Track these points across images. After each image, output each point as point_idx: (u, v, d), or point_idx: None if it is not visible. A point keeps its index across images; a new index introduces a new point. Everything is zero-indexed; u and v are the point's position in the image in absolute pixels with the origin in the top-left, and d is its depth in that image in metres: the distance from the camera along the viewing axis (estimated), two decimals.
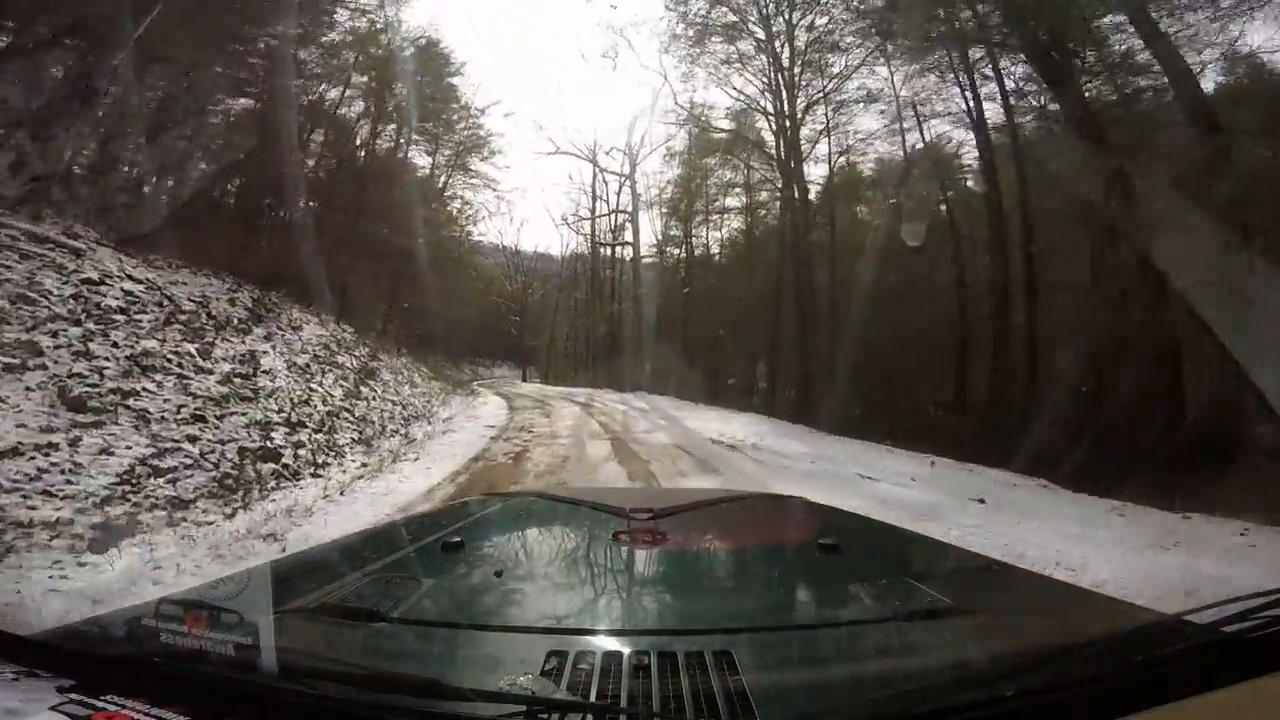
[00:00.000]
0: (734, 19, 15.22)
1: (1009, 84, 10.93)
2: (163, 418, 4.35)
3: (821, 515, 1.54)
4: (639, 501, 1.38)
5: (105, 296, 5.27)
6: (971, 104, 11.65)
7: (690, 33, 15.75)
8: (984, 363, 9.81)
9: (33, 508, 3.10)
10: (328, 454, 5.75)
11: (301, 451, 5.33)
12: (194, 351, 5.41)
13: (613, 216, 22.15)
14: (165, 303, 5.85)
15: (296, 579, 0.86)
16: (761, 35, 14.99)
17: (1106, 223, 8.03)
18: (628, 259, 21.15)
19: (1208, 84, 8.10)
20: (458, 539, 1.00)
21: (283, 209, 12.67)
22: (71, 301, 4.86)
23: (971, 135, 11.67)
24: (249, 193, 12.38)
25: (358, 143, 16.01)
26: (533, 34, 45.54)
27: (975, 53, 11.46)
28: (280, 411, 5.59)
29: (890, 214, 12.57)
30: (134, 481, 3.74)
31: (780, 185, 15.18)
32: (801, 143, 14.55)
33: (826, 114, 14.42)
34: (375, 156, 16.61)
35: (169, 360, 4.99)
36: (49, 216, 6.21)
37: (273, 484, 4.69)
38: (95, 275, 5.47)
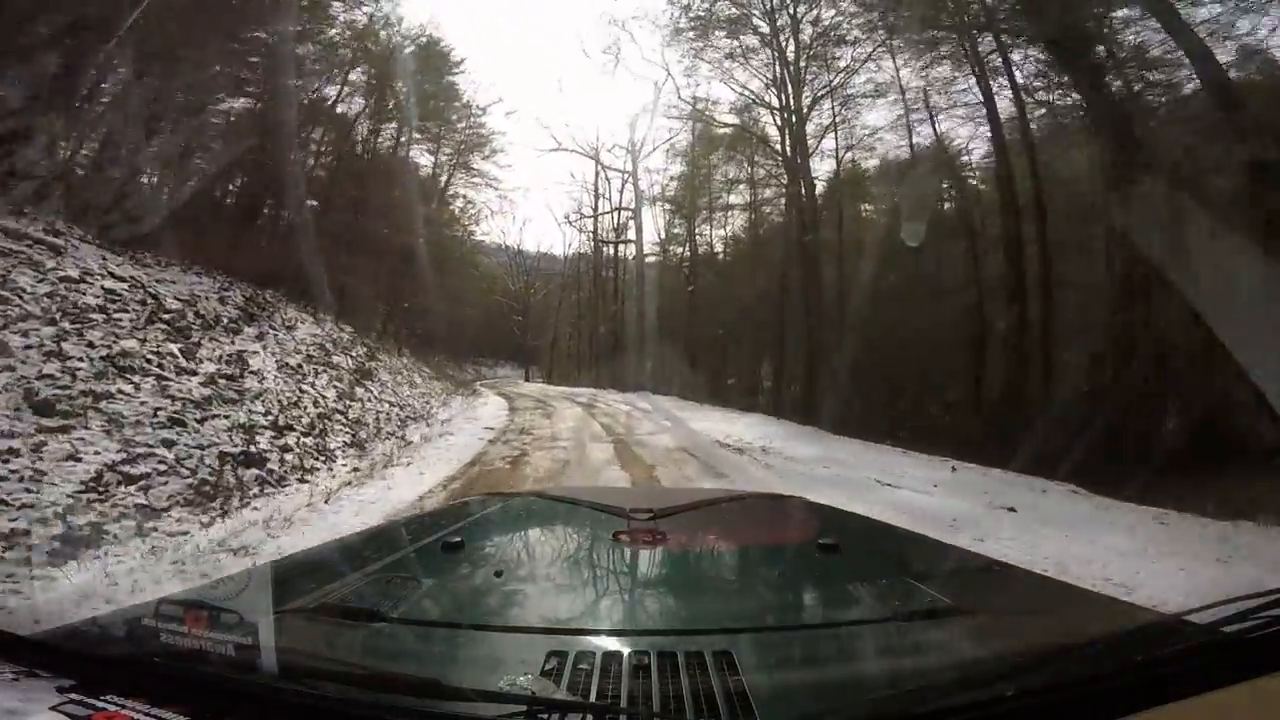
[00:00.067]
0: (738, 12, 14.94)
1: (1019, 78, 10.62)
2: (138, 421, 4.11)
3: (821, 515, 1.53)
4: (639, 501, 1.37)
5: (84, 295, 5.05)
6: (983, 98, 11.31)
7: (694, 27, 15.52)
8: (998, 362, 9.47)
9: None
10: (317, 458, 5.51)
11: (288, 456, 5.09)
12: (177, 351, 5.19)
13: (615, 214, 21.90)
14: (149, 301, 5.62)
15: (296, 579, 0.85)
16: (766, 29, 14.71)
17: (1119, 220, 7.72)
18: (631, 258, 20.90)
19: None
20: (458, 539, 0.99)
21: (281, 207, 12.50)
22: (46, 300, 4.64)
23: (982, 129, 11.36)
24: (247, 191, 12.21)
25: (358, 141, 15.86)
26: (533, 30, 45.43)
27: (986, 46, 11.13)
28: (267, 414, 5.35)
29: (899, 210, 12.29)
30: (101, 489, 3.50)
31: (785, 181, 14.89)
32: (808, 138, 14.24)
33: (833, 108, 14.11)
34: (376, 155, 16.47)
35: (148, 361, 4.76)
36: (31, 213, 6.01)
37: (255, 490, 4.45)
38: (75, 273, 5.25)
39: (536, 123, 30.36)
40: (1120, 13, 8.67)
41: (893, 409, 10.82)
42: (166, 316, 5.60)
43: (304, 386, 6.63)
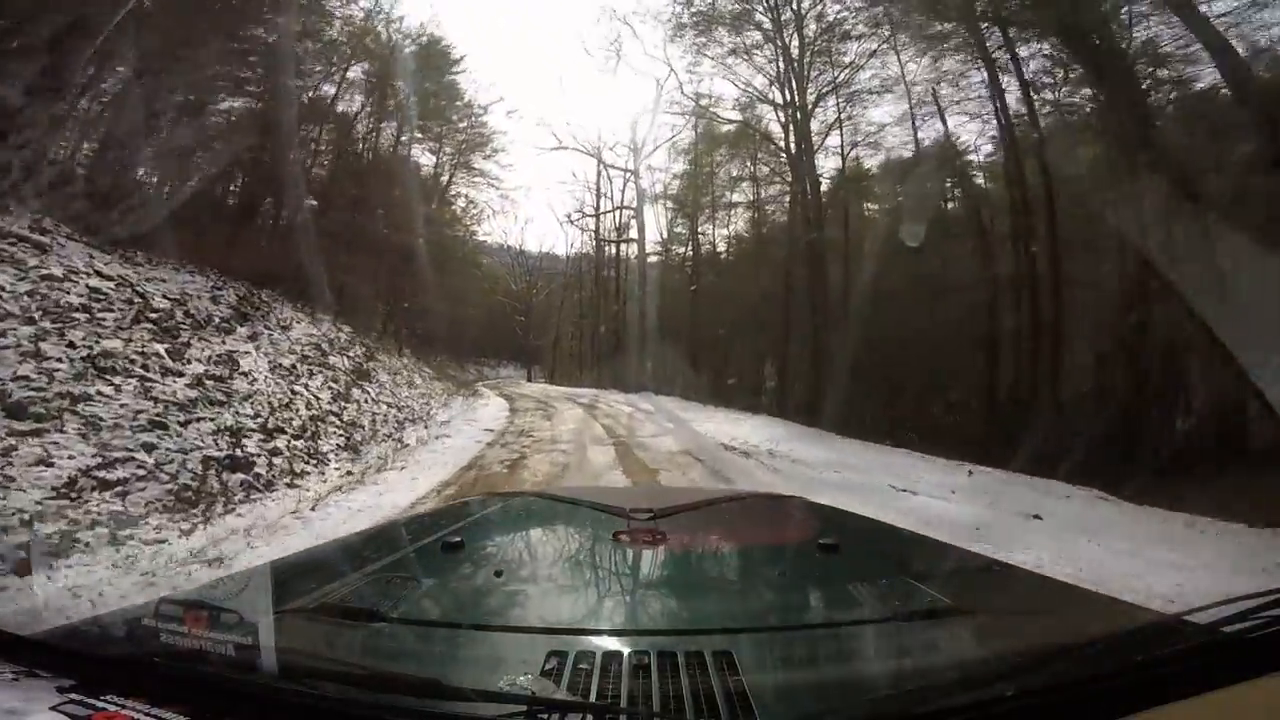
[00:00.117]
0: (740, 8, 14.74)
1: (1026, 74, 10.39)
2: (116, 424, 3.94)
3: (821, 515, 1.53)
4: (639, 501, 1.36)
5: (67, 294, 4.89)
6: (991, 92, 11.07)
7: (696, 23, 15.33)
8: (1009, 362, 9.22)
9: None
10: (308, 462, 5.33)
11: (277, 460, 4.91)
12: (163, 352, 5.02)
13: (617, 213, 21.71)
14: (135, 300, 5.46)
15: (296, 579, 0.85)
16: (769, 25, 14.50)
17: (1124, 218, 7.49)
18: (633, 257, 20.70)
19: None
20: (458, 539, 0.99)
21: (280, 206, 12.38)
22: (26, 299, 4.48)
23: (989, 126, 11.11)
24: (245, 190, 12.09)
25: (359, 140, 15.75)
26: (534, 28, 45.29)
27: (993, 41, 10.90)
28: (256, 416, 5.18)
29: (905, 208, 12.06)
30: (74, 495, 3.32)
31: (789, 179, 14.67)
32: (812, 135, 14.02)
33: (838, 105, 13.88)
34: (377, 154, 16.36)
35: (131, 362, 4.59)
36: (17, 211, 5.86)
37: (241, 496, 4.27)
38: (58, 271, 5.09)
39: (538, 121, 30.11)
40: (1137, 6, 8.44)
41: (900, 410, 10.58)
42: (153, 316, 5.43)
43: (297, 388, 6.45)
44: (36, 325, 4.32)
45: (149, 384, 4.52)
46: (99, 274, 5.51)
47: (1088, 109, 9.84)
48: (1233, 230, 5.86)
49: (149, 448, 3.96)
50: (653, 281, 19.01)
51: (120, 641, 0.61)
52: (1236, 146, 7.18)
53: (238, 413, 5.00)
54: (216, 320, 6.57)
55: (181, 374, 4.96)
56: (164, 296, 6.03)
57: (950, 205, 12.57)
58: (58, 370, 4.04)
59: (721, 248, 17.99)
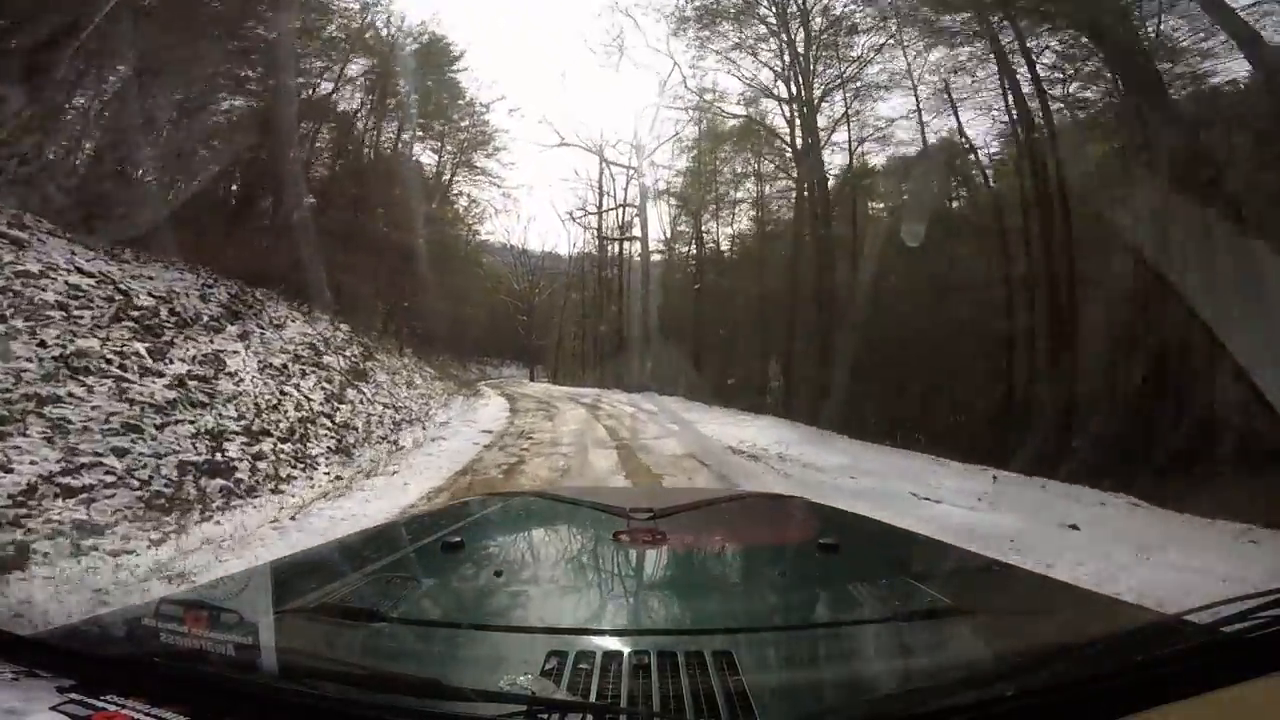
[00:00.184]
0: (744, 2, 14.46)
1: (1039, 68, 10.07)
2: (85, 428, 3.71)
3: (821, 515, 1.53)
4: (639, 501, 1.36)
5: (43, 291, 4.68)
6: (1006, 86, 10.75)
7: (699, 17, 15.08)
8: (1024, 362, 8.89)
9: None
10: (295, 466, 5.11)
11: (262, 464, 4.68)
12: (143, 351, 4.80)
13: (620, 211, 21.46)
14: (116, 298, 5.25)
15: (296, 579, 0.84)
16: (774, 20, 14.22)
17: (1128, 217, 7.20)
18: (636, 255, 20.45)
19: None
20: (458, 539, 0.99)
21: (278, 204, 12.20)
22: None
23: (1002, 121, 10.78)
24: (241, 187, 11.91)
25: (359, 137, 15.58)
26: (535, 25, 44.98)
27: (1005, 34, 10.59)
28: (240, 418, 4.95)
29: (916, 205, 11.77)
30: (33, 503, 3.10)
31: (795, 176, 14.38)
32: (819, 130, 13.72)
33: (845, 99, 13.57)
34: (378, 152, 16.20)
35: (108, 361, 4.37)
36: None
37: (220, 502, 4.04)
38: (35, 268, 4.88)
39: (540, 119, 29.87)
40: None
41: (909, 412, 10.27)
42: (135, 314, 5.21)
43: (287, 388, 6.23)
44: (7, 324, 4.11)
45: (125, 385, 4.30)
46: (79, 271, 5.30)
47: (1102, 104, 9.55)
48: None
49: (120, 452, 3.73)
50: (656, 280, 18.78)
51: (120, 641, 0.61)
52: (1268, 142, 6.87)
53: (220, 415, 4.77)
54: (205, 319, 6.35)
55: (162, 374, 4.74)
56: (149, 294, 5.82)
57: (960, 202, 12.29)
58: (26, 370, 3.82)
59: (725, 246, 17.70)
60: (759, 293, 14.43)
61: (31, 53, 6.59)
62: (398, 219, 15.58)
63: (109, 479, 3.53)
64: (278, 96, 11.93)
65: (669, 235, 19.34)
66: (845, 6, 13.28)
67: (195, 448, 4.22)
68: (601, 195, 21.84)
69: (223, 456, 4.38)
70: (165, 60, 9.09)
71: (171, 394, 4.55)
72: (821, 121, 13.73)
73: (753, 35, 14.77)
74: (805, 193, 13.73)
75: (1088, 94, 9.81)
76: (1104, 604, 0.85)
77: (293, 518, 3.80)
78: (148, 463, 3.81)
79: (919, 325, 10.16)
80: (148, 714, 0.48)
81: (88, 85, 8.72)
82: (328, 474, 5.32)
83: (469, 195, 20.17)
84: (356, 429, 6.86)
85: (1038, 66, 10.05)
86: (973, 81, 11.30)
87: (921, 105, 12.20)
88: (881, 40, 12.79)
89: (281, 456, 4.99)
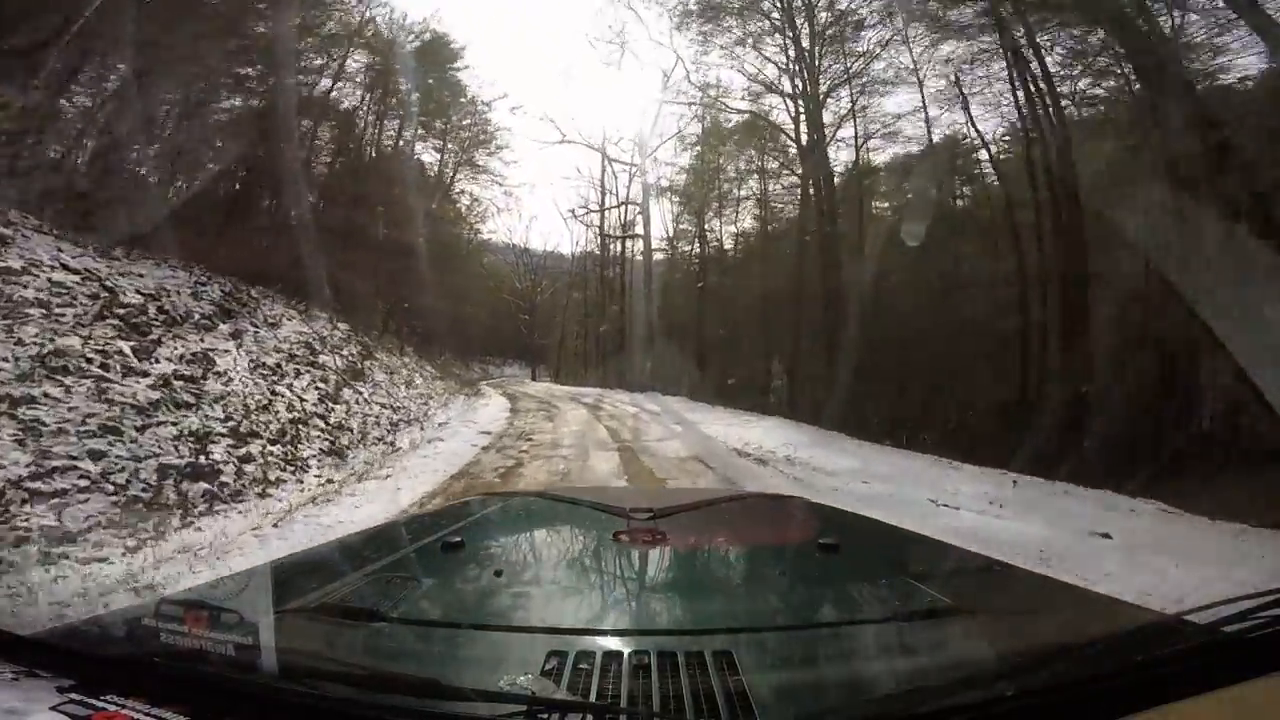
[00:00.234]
0: None
1: (1049, 63, 9.83)
2: (60, 430, 3.55)
3: (821, 515, 1.54)
4: (639, 501, 1.36)
5: (24, 288, 4.53)
6: (1014, 77, 10.51)
7: (703, 11, 14.87)
8: (1038, 362, 8.65)
9: None
10: (285, 469, 4.94)
11: (249, 467, 4.52)
12: (127, 350, 4.64)
13: (623, 209, 21.26)
14: (102, 295, 5.09)
15: (296, 579, 0.84)
16: (779, 16, 14.00)
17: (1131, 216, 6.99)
18: (638, 254, 20.24)
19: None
20: (458, 539, 0.99)
21: (276, 201, 12.07)
22: None
23: (1009, 115, 10.53)
24: (239, 185, 11.77)
25: (360, 135, 15.45)
26: (536, 21, 44.64)
27: (1016, 30, 10.35)
28: (227, 420, 4.79)
29: (924, 201, 11.54)
30: None
31: (800, 173, 14.16)
32: (824, 126, 13.49)
33: (851, 95, 13.32)
34: (380, 150, 16.08)
35: (88, 360, 4.21)
36: None
37: (203, 508, 3.87)
38: (17, 265, 4.74)
39: (541, 116, 29.51)
40: None
41: (918, 412, 10.04)
42: (121, 312, 5.06)
43: (279, 388, 6.07)
44: None
45: (106, 385, 4.13)
46: (64, 267, 5.15)
47: (1114, 100, 9.31)
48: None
49: (96, 455, 3.57)
50: (658, 279, 18.58)
51: (120, 641, 0.60)
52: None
53: (206, 416, 4.61)
54: (196, 317, 6.20)
55: (146, 374, 4.58)
56: (137, 291, 5.67)
57: (967, 200, 12.05)
58: (0, 370, 3.66)
59: (729, 244, 17.48)
60: (762, 291, 14.22)
61: (20, 49, 6.46)
62: (399, 217, 15.45)
63: (83, 483, 3.37)
64: (277, 93, 11.81)
65: (672, 234, 19.15)
66: (850, 2, 13.05)
67: (177, 450, 4.05)
68: (604, 193, 21.65)
69: (207, 459, 4.21)
70: (163, 58, 8.97)
71: (155, 394, 4.39)
72: (827, 118, 13.51)
73: (757, 30, 14.56)
74: (810, 190, 13.50)
75: (1098, 90, 9.61)
76: (1104, 604, 0.84)
77: (275, 525, 3.62)
78: (126, 466, 3.65)
79: (925, 324, 9.94)
80: (148, 714, 0.48)
81: (82, 82, 8.60)
82: (319, 477, 5.15)
83: (471, 194, 20.02)
84: (351, 430, 6.69)
85: (1048, 62, 9.84)
86: (983, 76, 11.08)
87: (928, 101, 11.99)
88: (888, 35, 12.57)
89: (270, 459, 4.82)
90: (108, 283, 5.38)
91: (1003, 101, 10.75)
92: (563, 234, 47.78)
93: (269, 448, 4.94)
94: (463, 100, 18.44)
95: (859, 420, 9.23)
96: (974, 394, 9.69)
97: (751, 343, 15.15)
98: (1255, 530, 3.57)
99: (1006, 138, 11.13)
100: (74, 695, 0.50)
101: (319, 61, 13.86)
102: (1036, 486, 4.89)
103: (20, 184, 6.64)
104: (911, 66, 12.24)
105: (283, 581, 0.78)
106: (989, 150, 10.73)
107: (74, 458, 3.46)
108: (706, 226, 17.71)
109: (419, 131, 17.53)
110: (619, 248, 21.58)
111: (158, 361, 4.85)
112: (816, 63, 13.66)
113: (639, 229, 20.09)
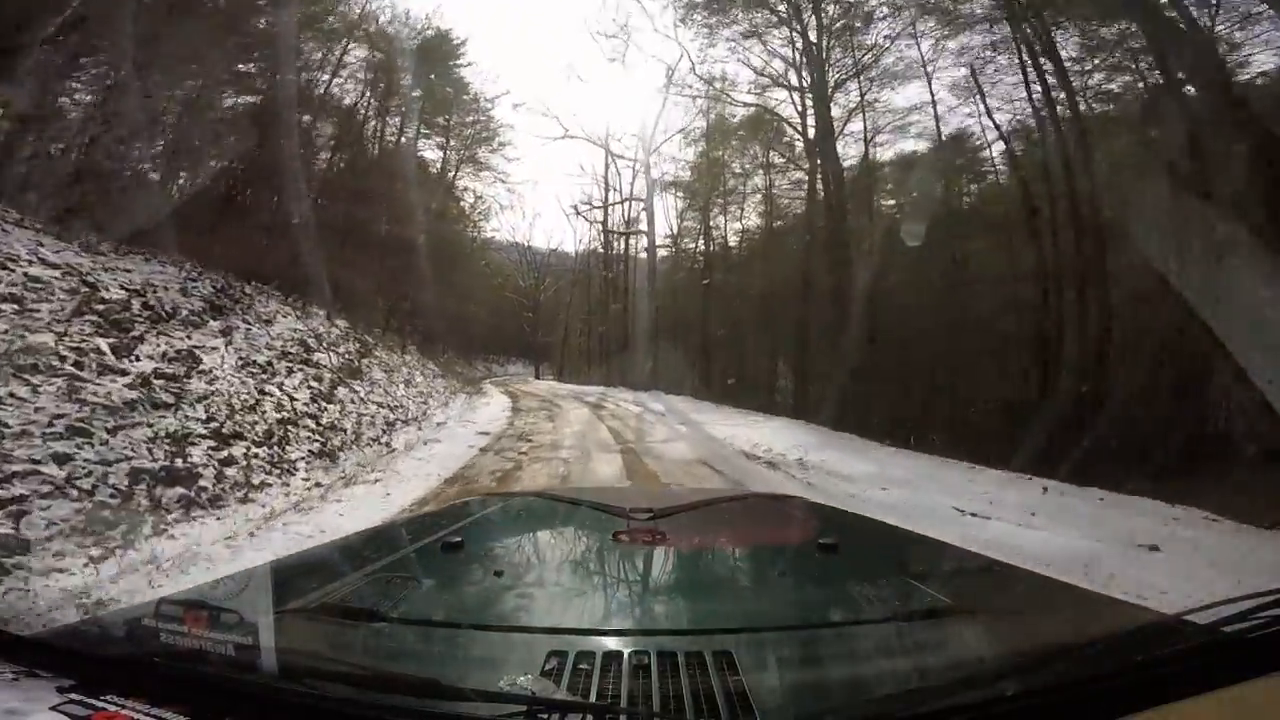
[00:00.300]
0: None
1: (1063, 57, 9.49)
2: (23, 432, 3.33)
3: (821, 515, 1.55)
4: (639, 501, 1.37)
5: None
6: (1025, 63, 10.16)
7: (708, 4, 14.58)
8: (1058, 359, 8.31)
9: None
10: (271, 472, 4.71)
11: (231, 471, 4.29)
12: (104, 348, 4.42)
13: (626, 206, 20.99)
14: (82, 290, 4.88)
15: (296, 579, 0.84)
16: (785, 8, 13.68)
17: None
18: (642, 251, 19.96)
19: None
20: (458, 539, 0.99)
21: (274, 197, 11.90)
22: None
23: (1022, 111, 10.18)
24: (236, 180, 11.59)
25: (361, 130, 15.28)
26: (538, 13, 44.24)
27: (1029, 24, 10.00)
28: (210, 420, 4.57)
29: (935, 197, 11.24)
30: None
31: (807, 168, 13.84)
32: (833, 120, 13.15)
33: (860, 89, 12.99)
34: (381, 147, 15.92)
35: (61, 359, 3.99)
36: None
37: (178, 514, 3.64)
38: None
39: (544, 111, 29.26)
40: None
41: (932, 413, 9.73)
42: (100, 308, 4.84)
43: (268, 387, 5.85)
44: None
45: (79, 384, 3.91)
46: (43, 262, 4.94)
47: (1132, 95, 8.97)
48: None
49: (62, 459, 3.34)
50: (662, 276, 18.32)
51: (120, 641, 0.60)
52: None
53: (186, 416, 4.38)
54: (184, 313, 5.99)
55: (125, 372, 4.36)
56: (121, 287, 5.46)
57: (980, 195, 11.73)
58: None
59: (734, 242, 17.18)
60: (768, 289, 13.93)
61: (8, 44, 6.27)
62: (401, 214, 15.30)
63: (45, 489, 3.14)
64: (276, 88, 11.65)
65: (676, 231, 18.88)
66: None
67: (152, 453, 3.83)
68: (607, 189, 21.39)
69: (184, 462, 3.98)
70: (159, 51, 8.79)
71: (132, 394, 4.17)
72: (835, 112, 13.18)
73: (764, 22, 14.25)
74: (826, 179, 13.17)
75: (1112, 86, 9.27)
76: (1104, 604, 0.85)
77: (251, 534, 3.39)
78: (94, 470, 3.42)
79: (936, 322, 9.64)
80: (148, 714, 0.48)
81: (73, 76, 8.43)
82: (306, 480, 4.93)
83: (474, 191, 19.84)
84: (344, 431, 6.47)
85: (1062, 56, 9.50)
86: (995, 70, 10.74)
87: (939, 96, 11.65)
88: (899, 28, 12.23)
89: (255, 462, 4.60)
90: (89, 278, 5.17)
91: (1014, 96, 10.43)
92: (566, 231, 47.63)
93: (254, 450, 4.72)
94: (465, 97, 18.29)
95: (869, 420, 8.94)
96: (988, 394, 9.38)
97: (757, 341, 14.87)
98: None
99: (1020, 132, 10.80)
100: (74, 695, 0.50)
101: (319, 56, 13.71)
102: (1068, 492, 4.58)
103: (2, 179, 6.46)
104: (920, 61, 11.91)
105: (283, 581, 0.78)
106: (1008, 143, 10.35)
107: (37, 462, 3.23)
108: (711, 223, 17.44)
109: (422, 129, 17.38)
110: (622, 245, 21.32)
111: (138, 360, 4.64)
112: (824, 56, 13.35)
113: (643, 225, 19.82)
